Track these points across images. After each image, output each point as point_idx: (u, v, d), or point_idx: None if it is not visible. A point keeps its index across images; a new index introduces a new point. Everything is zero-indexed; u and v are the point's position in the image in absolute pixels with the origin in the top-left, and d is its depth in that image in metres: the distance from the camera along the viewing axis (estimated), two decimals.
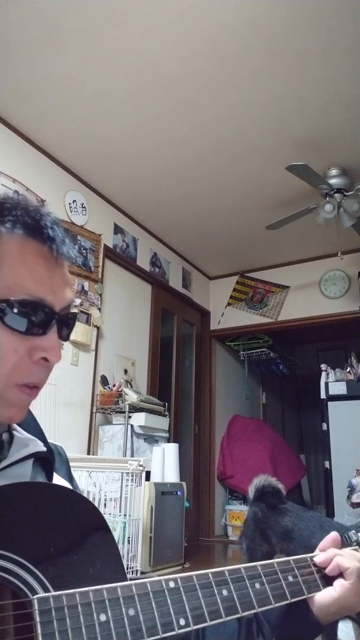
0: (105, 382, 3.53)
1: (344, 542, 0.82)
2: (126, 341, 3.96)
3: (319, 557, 0.73)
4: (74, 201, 3.50)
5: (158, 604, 0.52)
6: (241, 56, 2.51)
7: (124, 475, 2.56)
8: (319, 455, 6.12)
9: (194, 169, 3.47)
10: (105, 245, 3.74)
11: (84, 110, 2.92)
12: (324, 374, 4.30)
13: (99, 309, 3.57)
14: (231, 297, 5.17)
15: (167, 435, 3.68)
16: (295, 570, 0.69)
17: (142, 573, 2.59)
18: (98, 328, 3.57)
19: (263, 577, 0.64)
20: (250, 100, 2.81)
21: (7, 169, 2.97)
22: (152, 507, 2.82)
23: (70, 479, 0.76)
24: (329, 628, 1.67)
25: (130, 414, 3.34)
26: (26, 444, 0.66)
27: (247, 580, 0.62)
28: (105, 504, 2.60)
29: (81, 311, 3.37)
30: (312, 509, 5.43)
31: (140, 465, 2.54)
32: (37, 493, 0.54)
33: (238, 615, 0.59)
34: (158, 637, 0.50)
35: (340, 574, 0.70)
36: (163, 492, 2.96)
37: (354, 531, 0.86)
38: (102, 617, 0.48)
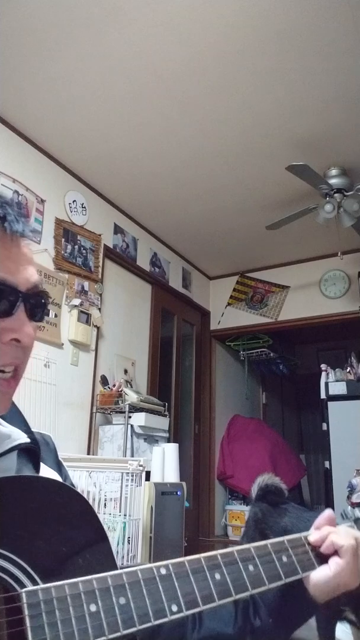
0: (105, 382, 3.53)
1: (342, 518, 0.81)
2: (126, 341, 3.96)
3: (313, 535, 0.72)
4: (74, 201, 3.50)
5: (149, 591, 0.52)
6: (241, 56, 2.51)
7: (124, 475, 2.56)
8: (319, 455, 6.12)
9: (194, 169, 3.47)
10: (105, 245, 3.74)
11: (84, 110, 2.92)
12: (324, 374, 4.30)
13: (99, 309, 3.57)
14: (231, 297, 5.16)
15: (167, 435, 3.68)
16: (290, 550, 0.68)
17: None
18: (98, 328, 3.57)
19: (256, 559, 0.63)
20: (250, 100, 2.81)
21: (7, 169, 2.97)
22: (152, 507, 2.81)
23: (59, 467, 0.75)
24: (326, 629, 1.67)
25: (130, 414, 3.33)
26: (8, 436, 0.66)
27: (240, 563, 0.61)
28: (105, 504, 2.60)
29: (81, 311, 3.37)
30: (312, 509, 5.42)
31: (140, 465, 2.54)
32: (23, 486, 0.54)
33: (232, 599, 0.58)
34: (150, 624, 0.50)
35: (335, 552, 0.69)
36: (163, 492, 2.96)
37: (350, 507, 0.86)
38: (93, 608, 0.48)
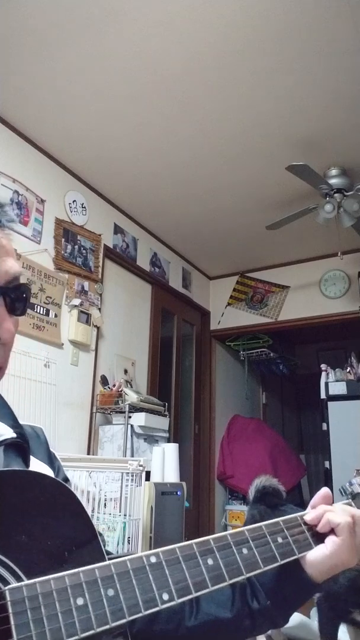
0: (105, 382, 3.53)
1: (341, 494, 0.80)
2: (126, 341, 3.96)
3: (309, 515, 0.71)
4: (74, 201, 3.49)
5: (139, 581, 0.51)
6: (241, 56, 2.51)
7: (124, 475, 2.55)
8: (319, 455, 6.12)
9: (194, 169, 3.47)
10: (105, 245, 3.74)
11: (84, 110, 2.92)
12: (324, 374, 4.30)
13: (99, 309, 3.57)
14: (231, 297, 5.16)
15: (167, 435, 3.68)
16: (285, 531, 0.67)
17: None
18: (98, 328, 3.57)
19: (251, 542, 0.63)
20: (250, 100, 2.81)
21: (7, 169, 2.97)
22: (152, 507, 2.81)
23: (50, 459, 0.74)
24: (329, 629, 1.66)
25: (130, 414, 3.33)
26: None
27: (233, 547, 0.61)
28: (105, 504, 2.60)
29: (81, 311, 3.37)
30: None
31: (140, 465, 2.54)
32: (5, 481, 0.52)
33: (225, 584, 0.57)
34: (140, 614, 0.49)
35: (332, 531, 0.68)
36: (163, 492, 2.95)
37: (348, 483, 0.85)
38: (80, 601, 0.47)
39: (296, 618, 2.41)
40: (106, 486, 2.60)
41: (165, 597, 0.52)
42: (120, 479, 2.57)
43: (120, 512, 2.51)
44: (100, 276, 3.64)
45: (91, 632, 0.46)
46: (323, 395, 4.21)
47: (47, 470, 0.70)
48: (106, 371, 3.63)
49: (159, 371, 4.31)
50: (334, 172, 3.35)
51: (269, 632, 2.02)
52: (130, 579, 0.50)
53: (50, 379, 3.03)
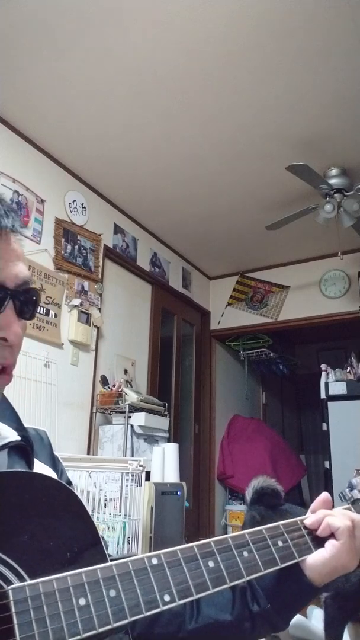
0: (105, 382, 3.53)
1: (340, 500, 0.81)
2: (126, 341, 3.96)
3: (309, 519, 0.72)
4: (74, 201, 3.49)
5: (141, 582, 0.51)
6: (241, 56, 2.51)
7: (124, 475, 2.55)
8: (319, 455, 6.12)
9: (194, 169, 3.47)
10: (105, 245, 3.74)
11: (84, 110, 2.92)
12: (324, 374, 4.29)
13: (99, 309, 3.57)
14: (231, 297, 5.16)
15: (167, 435, 3.68)
16: (285, 534, 0.68)
17: None
18: (98, 328, 3.57)
19: (251, 545, 0.63)
20: (250, 100, 2.81)
21: (7, 169, 2.97)
22: (152, 507, 2.81)
23: (53, 462, 0.75)
24: (335, 630, 1.66)
25: (130, 414, 3.33)
26: None
27: (234, 550, 0.61)
28: (105, 504, 2.60)
29: (81, 311, 3.37)
30: None
31: (140, 465, 2.54)
32: (8, 482, 0.53)
33: (226, 586, 0.57)
34: (142, 615, 0.50)
35: (332, 535, 0.69)
36: (163, 492, 2.95)
37: (348, 489, 0.85)
38: (82, 601, 0.47)
39: (295, 618, 2.40)
40: (106, 486, 2.60)
41: (167, 598, 0.52)
42: (120, 479, 2.57)
43: (120, 512, 2.51)
44: (100, 276, 3.64)
45: (93, 632, 0.46)
46: (323, 395, 4.21)
47: (51, 473, 0.71)
48: (106, 371, 3.63)
49: (159, 371, 4.31)
50: (334, 172, 3.35)
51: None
52: (132, 580, 0.50)
53: (50, 379, 3.03)
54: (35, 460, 0.69)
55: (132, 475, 2.53)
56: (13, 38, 2.43)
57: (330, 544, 0.68)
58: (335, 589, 1.63)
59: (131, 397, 3.37)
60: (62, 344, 3.23)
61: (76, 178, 3.54)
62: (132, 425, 3.33)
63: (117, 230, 3.94)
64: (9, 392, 0.68)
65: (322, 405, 4.21)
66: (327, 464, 4.04)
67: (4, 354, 0.61)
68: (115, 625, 0.47)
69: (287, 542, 0.67)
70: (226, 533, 4.47)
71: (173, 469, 3.16)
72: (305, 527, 0.71)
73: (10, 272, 0.61)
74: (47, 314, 3.13)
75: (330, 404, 4.15)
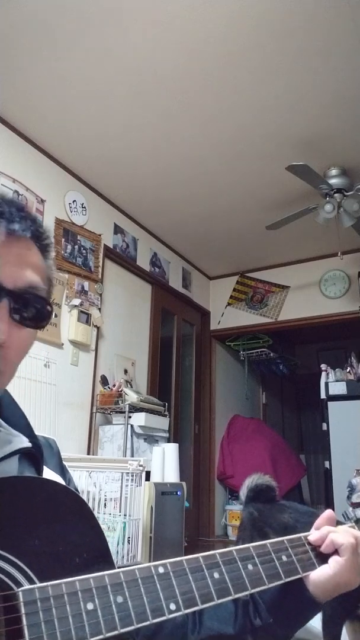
0: (105, 382, 3.53)
1: (343, 519, 0.82)
2: (126, 341, 3.96)
3: (313, 535, 0.72)
4: (74, 201, 3.50)
5: (147, 589, 0.52)
6: (241, 56, 2.51)
7: (124, 475, 2.55)
8: (319, 455, 6.12)
9: (194, 169, 3.47)
10: (105, 245, 3.74)
11: (84, 110, 2.92)
12: (324, 374, 4.30)
13: (99, 309, 3.57)
14: (231, 297, 5.16)
15: (167, 435, 3.68)
16: (289, 549, 0.68)
17: None
18: (98, 328, 3.57)
19: (256, 558, 0.63)
20: (250, 100, 2.81)
21: (7, 169, 2.97)
22: (152, 507, 2.81)
23: (62, 471, 0.75)
24: (334, 628, 1.65)
25: (130, 414, 3.33)
26: (9, 440, 0.65)
27: (239, 562, 0.61)
28: (105, 504, 2.60)
29: (81, 311, 3.37)
30: (312, 508, 5.41)
31: (140, 465, 2.54)
32: (20, 487, 0.54)
33: (230, 597, 0.58)
34: (148, 622, 0.50)
35: (336, 551, 0.70)
36: (163, 492, 2.95)
37: (351, 508, 0.87)
38: (90, 606, 0.48)
39: None
40: (106, 486, 2.60)
41: (173, 607, 0.52)
42: (120, 479, 2.57)
43: (120, 512, 2.51)
44: (100, 276, 3.64)
45: (100, 636, 0.47)
46: (323, 395, 4.21)
47: (59, 481, 0.71)
48: (106, 371, 3.63)
49: (159, 371, 4.31)
50: (334, 172, 3.35)
51: None
52: (138, 587, 0.51)
53: (50, 379, 3.03)
54: (44, 467, 0.70)
55: (132, 475, 2.53)
56: (13, 38, 2.43)
57: (333, 561, 0.69)
58: None
59: (131, 397, 3.37)
60: (62, 344, 3.23)
61: (76, 178, 3.54)
62: (132, 425, 3.33)
63: (117, 230, 3.94)
64: (9, 392, 0.68)
65: (322, 405, 4.21)
66: (327, 464, 4.05)
67: None
68: (122, 630, 0.48)
69: (291, 557, 0.67)
70: (226, 533, 4.46)
71: (173, 469, 3.16)
72: (309, 543, 0.71)
73: (9, 273, 0.61)
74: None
75: (330, 404, 4.15)
